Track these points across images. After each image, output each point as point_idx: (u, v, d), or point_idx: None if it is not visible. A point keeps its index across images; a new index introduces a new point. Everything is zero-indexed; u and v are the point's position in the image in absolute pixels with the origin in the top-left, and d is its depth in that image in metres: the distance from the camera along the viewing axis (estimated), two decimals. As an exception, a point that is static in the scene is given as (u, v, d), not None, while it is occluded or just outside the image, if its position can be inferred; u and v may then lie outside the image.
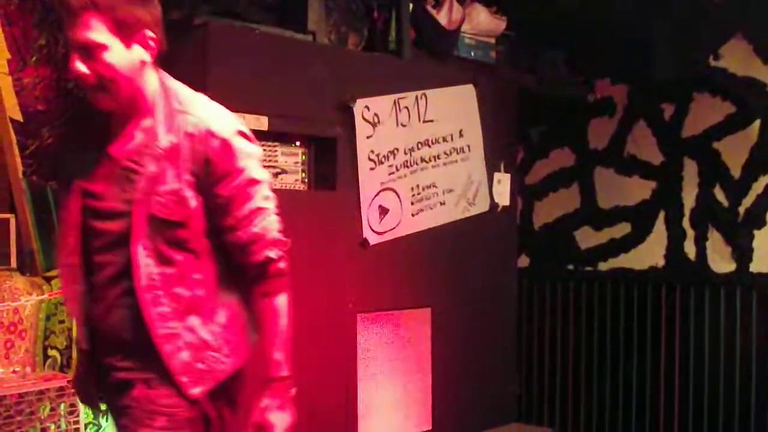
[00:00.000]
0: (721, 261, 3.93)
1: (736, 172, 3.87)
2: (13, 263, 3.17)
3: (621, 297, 4.24)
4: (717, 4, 3.64)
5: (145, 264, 1.85)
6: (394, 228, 3.55)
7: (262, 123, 3.07)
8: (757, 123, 3.80)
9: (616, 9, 3.81)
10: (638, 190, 4.21)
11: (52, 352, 3.23)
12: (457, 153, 3.84)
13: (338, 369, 3.34)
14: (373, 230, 3.46)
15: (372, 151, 3.44)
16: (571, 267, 4.48)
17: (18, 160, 3.17)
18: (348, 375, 3.38)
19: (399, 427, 3.61)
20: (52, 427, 2.96)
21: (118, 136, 1.91)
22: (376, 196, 3.47)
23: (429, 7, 3.78)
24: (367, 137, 3.42)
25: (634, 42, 3.97)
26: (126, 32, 1.81)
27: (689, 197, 4.02)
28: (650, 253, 4.16)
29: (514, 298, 4.27)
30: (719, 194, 3.92)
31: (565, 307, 4.45)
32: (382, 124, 3.48)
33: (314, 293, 3.23)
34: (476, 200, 3.94)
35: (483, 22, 3.96)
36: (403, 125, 3.58)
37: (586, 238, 4.42)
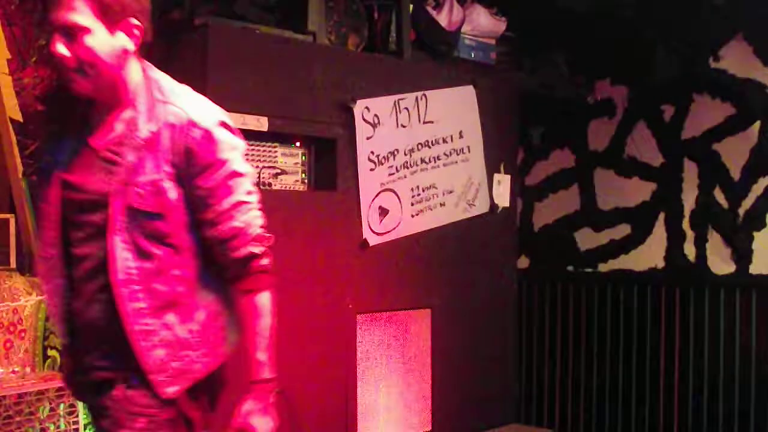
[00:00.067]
0: (720, 262, 3.92)
1: (735, 174, 3.86)
2: (13, 263, 3.17)
3: (621, 298, 4.24)
4: (717, 6, 3.65)
5: (123, 257, 1.81)
6: (394, 229, 3.55)
7: (262, 123, 3.07)
8: (757, 125, 3.80)
9: (617, 10, 3.82)
10: (638, 191, 4.21)
11: (51, 353, 3.23)
12: (457, 154, 3.84)
13: (338, 370, 3.34)
14: (373, 231, 3.46)
15: (372, 152, 3.44)
16: (570, 268, 4.48)
17: (18, 160, 3.17)
18: (348, 376, 3.38)
19: (399, 428, 3.61)
20: (52, 427, 2.96)
21: (99, 126, 1.88)
22: (376, 196, 3.47)
23: (429, 8, 3.78)
24: (367, 138, 3.42)
25: (634, 43, 3.98)
26: (111, 18, 1.78)
27: (689, 199, 4.02)
28: (650, 255, 4.16)
29: (514, 299, 4.27)
30: (719, 196, 3.92)
31: (565, 309, 4.45)
32: (382, 124, 3.48)
33: (314, 294, 3.24)
34: (476, 201, 3.94)
35: (483, 23, 3.96)
36: (403, 126, 3.59)
37: (586, 239, 4.42)
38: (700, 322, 3.95)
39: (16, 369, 3.10)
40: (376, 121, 3.46)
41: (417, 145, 3.65)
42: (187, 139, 1.82)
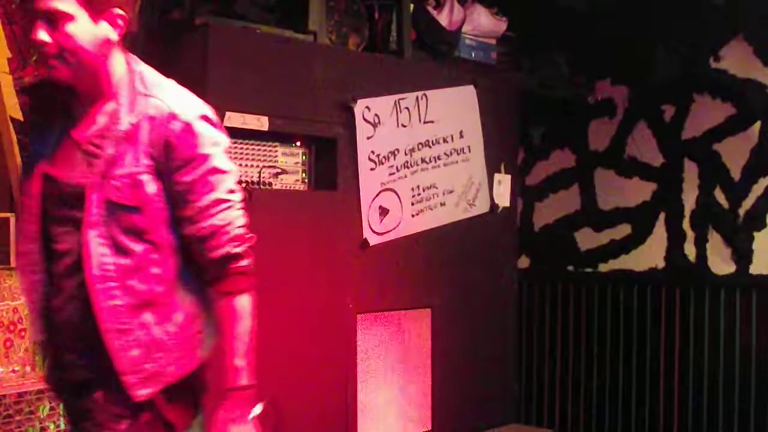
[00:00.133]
0: (721, 263, 3.92)
1: (736, 174, 3.87)
2: (13, 263, 3.17)
3: (621, 298, 4.24)
4: (717, 6, 3.65)
5: (99, 253, 1.76)
6: (394, 228, 3.55)
7: (263, 123, 3.07)
8: (757, 125, 3.80)
9: (617, 10, 3.82)
10: (638, 191, 4.21)
11: (51, 352, 3.23)
12: (458, 154, 3.84)
13: (338, 369, 3.34)
14: (373, 231, 3.46)
15: (372, 152, 3.44)
16: (571, 268, 4.48)
17: (18, 159, 3.17)
18: (348, 375, 3.38)
19: (398, 428, 3.61)
20: (52, 426, 2.96)
21: (82, 119, 1.85)
22: (376, 196, 3.47)
23: (430, 8, 3.79)
24: (368, 138, 3.42)
25: (634, 43, 3.98)
26: (94, 6, 1.76)
27: (689, 199, 4.02)
28: (650, 255, 4.16)
29: (514, 299, 4.27)
30: (719, 196, 3.92)
31: (565, 309, 4.45)
32: (382, 124, 3.48)
33: (314, 293, 3.24)
34: (476, 201, 3.94)
35: (484, 23, 3.96)
36: (404, 126, 3.59)
37: (587, 239, 4.42)
38: (701, 322, 3.95)
39: (16, 368, 3.10)
40: (377, 121, 3.46)
41: (417, 145, 3.65)
42: (166, 131, 1.78)
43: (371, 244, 3.44)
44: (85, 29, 1.76)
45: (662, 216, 4.13)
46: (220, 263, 1.83)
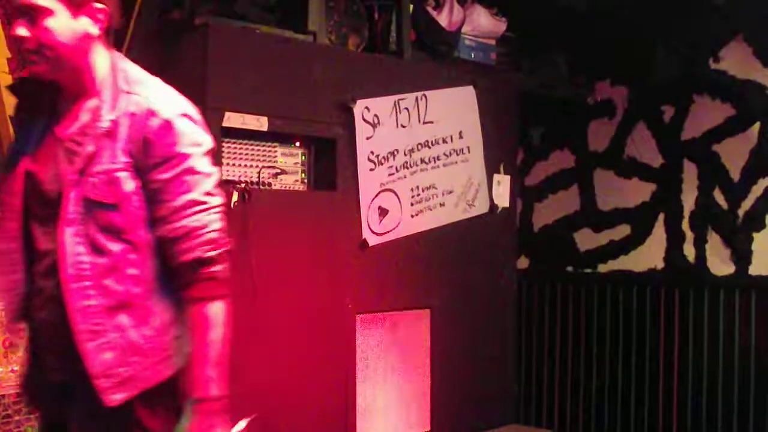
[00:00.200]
0: (720, 263, 3.92)
1: (735, 175, 3.86)
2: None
3: (620, 299, 4.24)
4: (717, 6, 3.65)
5: (75, 251, 1.72)
6: (393, 229, 3.55)
7: (262, 123, 3.07)
8: (756, 126, 3.80)
9: (617, 11, 3.82)
10: (638, 192, 4.21)
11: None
12: (457, 154, 3.83)
13: (337, 370, 3.34)
14: (372, 231, 3.46)
15: (372, 152, 3.44)
16: (570, 269, 4.48)
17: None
18: (347, 376, 3.38)
19: (398, 428, 3.60)
20: (51, 426, 2.95)
21: (66, 116, 1.83)
22: (375, 197, 3.47)
23: (429, 9, 3.78)
24: (367, 138, 3.42)
25: (634, 43, 3.98)
26: (74, 1, 1.75)
27: (689, 200, 4.02)
28: (649, 256, 4.16)
29: (514, 299, 4.27)
30: (719, 197, 3.92)
31: (564, 309, 4.45)
32: (382, 125, 3.48)
33: (313, 294, 3.23)
34: (476, 202, 3.93)
35: (483, 24, 3.96)
36: (403, 126, 3.58)
37: (586, 240, 4.42)
38: (700, 323, 3.95)
39: (16, 368, 3.10)
40: (376, 121, 3.46)
41: (417, 146, 3.65)
42: (145, 128, 1.75)
43: (370, 245, 3.44)
44: (63, 24, 1.75)
45: (661, 217, 4.13)
46: (191, 267, 1.77)
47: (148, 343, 1.78)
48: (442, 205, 3.77)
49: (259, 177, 3.13)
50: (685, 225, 4.03)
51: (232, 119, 2.96)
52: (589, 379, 4.35)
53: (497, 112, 4.02)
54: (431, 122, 3.70)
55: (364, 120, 3.40)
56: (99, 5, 1.78)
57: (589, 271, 4.40)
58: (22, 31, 1.74)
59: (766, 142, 3.77)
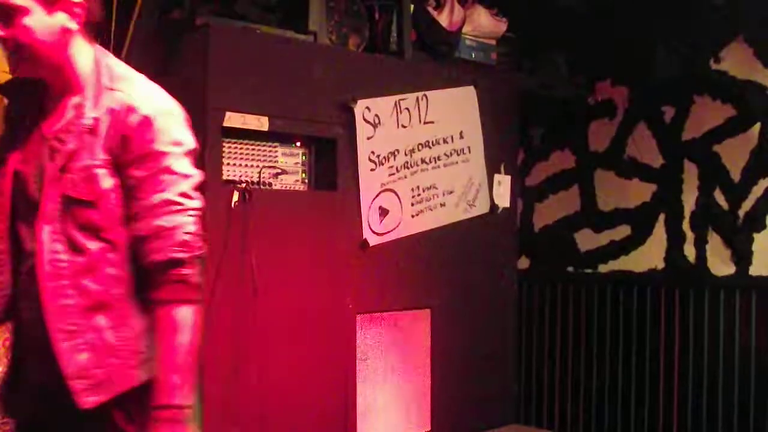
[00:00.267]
0: (720, 264, 3.92)
1: (736, 175, 3.86)
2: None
3: (620, 299, 4.23)
4: (717, 6, 3.65)
5: (52, 249, 1.69)
6: (394, 229, 3.55)
7: (263, 123, 3.07)
8: (757, 126, 3.79)
9: (617, 11, 3.82)
10: (638, 192, 4.21)
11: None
12: (458, 154, 3.84)
13: (337, 370, 3.34)
14: (373, 231, 3.46)
15: (372, 152, 3.44)
16: (570, 269, 4.48)
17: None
18: (347, 376, 3.38)
19: (398, 428, 3.60)
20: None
21: (52, 114, 1.80)
22: (376, 197, 3.47)
23: (430, 9, 3.79)
24: (368, 138, 3.42)
25: (634, 43, 3.98)
26: None
27: (689, 200, 4.02)
28: (650, 256, 4.16)
29: (514, 300, 4.27)
30: (719, 197, 3.92)
31: (565, 309, 4.45)
32: (382, 125, 3.48)
33: (314, 294, 3.24)
34: (476, 202, 3.94)
35: (484, 24, 3.96)
36: (404, 126, 3.58)
37: (586, 240, 4.42)
38: (700, 323, 3.95)
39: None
40: (377, 121, 3.46)
41: (417, 146, 3.65)
42: (124, 124, 1.72)
43: (371, 245, 3.44)
44: (40, 21, 1.72)
45: (662, 217, 4.12)
46: (160, 267, 1.72)
47: (125, 346, 1.74)
48: (442, 205, 3.77)
49: (259, 177, 3.13)
50: (686, 225, 4.03)
51: (233, 119, 2.96)
52: (589, 379, 4.35)
53: (498, 112, 4.02)
54: (432, 122, 3.70)
55: (365, 120, 3.40)
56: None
57: (589, 271, 4.40)
58: None
59: (766, 142, 3.76)
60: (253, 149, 3.15)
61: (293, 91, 3.19)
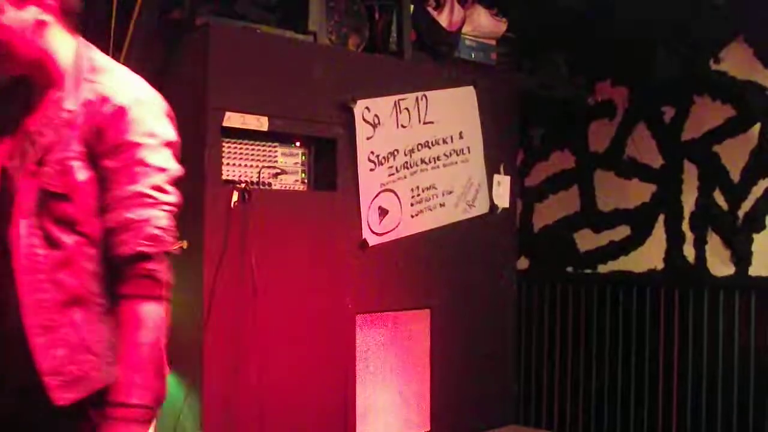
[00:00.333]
0: (720, 264, 3.92)
1: (735, 176, 3.86)
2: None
3: (620, 300, 4.23)
4: (717, 6, 3.65)
5: (28, 243, 1.66)
6: (393, 229, 3.55)
7: (263, 123, 3.07)
8: (757, 127, 3.80)
9: (617, 11, 3.82)
10: (638, 193, 4.21)
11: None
12: (457, 155, 3.84)
13: (337, 370, 3.34)
14: (372, 231, 3.46)
15: (372, 152, 3.44)
16: (570, 269, 4.48)
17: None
18: (347, 376, 3.38)
19: (397, 429, 3.60)
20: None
21: (35, 108, 1.77)
22: (375, 197, 3.47)
23: (430, 9, 3.79)
24: (367, 138, 3.42)
25: (634, 44, 3.98)
26: None
27: (689, 200, 4.02)
28: (649, 256, 4.16)
29: (514, 300, 4.27)
30: (719, 198, 3.92)
31: (564, 310, 4.45)
32: (382, 125, 3.48)
33: (313, 294, 3.24)
34: (476, 202, 3.94)
35: (484, 24, 3.96)
36: (404, 126, 3.58)
37: (586, 240, 4.42)
38: (699, 323, 3.95)
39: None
40: (377, 122, 3.46)
41: (417, 146, 3.65)
42: (98, 115, 1.69)
43: (370, 245, 3.44)
44: (11, 17, 1.69)
45: (661, 217, 4.12)
46: (126, 261, 1.67)
47: (102, 343, 1.71)
48: (442, 205, 3.77)
49: (259, 177, 3.13)
50: (685, 226, 4.03)
51: (233, 119, 2.96)
52: (588, 380, 4.35)
53: (497, 113, 4.02)
54: (431, 122, 3.70)
55: (365, 120, 3.40)
56: None
57: (589, 271, 4.40)
58: None
59: (766, 143, 3.77)
60: (253, 149, 3.15)
61: (293, 91, 3.18)
